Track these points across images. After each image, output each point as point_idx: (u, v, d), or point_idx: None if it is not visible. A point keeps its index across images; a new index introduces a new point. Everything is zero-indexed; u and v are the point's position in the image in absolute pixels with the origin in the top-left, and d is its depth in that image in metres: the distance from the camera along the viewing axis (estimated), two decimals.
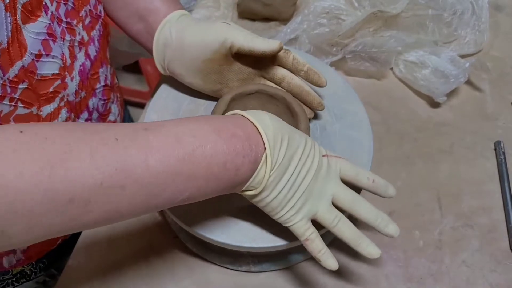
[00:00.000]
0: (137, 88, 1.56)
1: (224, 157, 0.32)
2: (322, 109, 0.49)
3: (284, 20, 0.73)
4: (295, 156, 0.36)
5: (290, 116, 0.46)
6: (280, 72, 0.48)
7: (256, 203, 0.37)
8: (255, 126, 0.35)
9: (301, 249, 0.48)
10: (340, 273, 0.48)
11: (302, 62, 0.47)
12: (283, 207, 0.36)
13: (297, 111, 0.45)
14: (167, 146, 0.30)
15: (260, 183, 0.35)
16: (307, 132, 0.44)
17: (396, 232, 0.39)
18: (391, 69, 0.68)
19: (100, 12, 0.50)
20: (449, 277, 0.48)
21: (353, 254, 0.49)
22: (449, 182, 0.56)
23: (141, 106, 1.57)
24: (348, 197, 0.38)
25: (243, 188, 0.35)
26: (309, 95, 0.48)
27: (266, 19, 0.74)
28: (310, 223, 0.38)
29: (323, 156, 0.38)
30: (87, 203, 0.27)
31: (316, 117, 0.51)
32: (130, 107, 1.62)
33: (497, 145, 0.59)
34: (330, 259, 0.38)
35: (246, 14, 0.74)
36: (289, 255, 0.48)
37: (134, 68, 1.45)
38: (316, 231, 0.38)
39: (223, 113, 0.44)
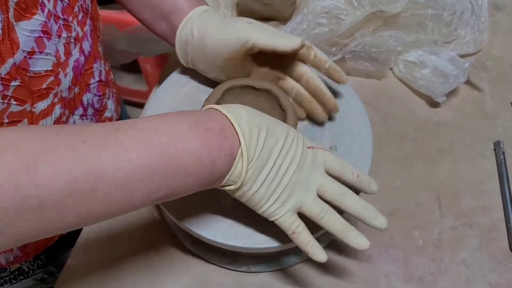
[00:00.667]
0: (136, 87, 1.56)
1: (199, 152, 0.32)
2: (337, 111, 0.49)
3: (284, 19, 0.72)
4: (276, 148, 0.35)
5: (280, 110, 0.46)
6: (300, 68, 0.48)
7: (239, 198, 0.37)
8: (229, 119, 0.34)
9: (301, 250, 0.48)
10: (339, 273, 0.48)
11: (324, 59, 0.47)
12: (266, 200, 0.36)
13: (285, 106, 0.45)
14: (138, 145, 0.30)
15: (238, 177, 0.34)
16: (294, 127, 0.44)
17: (384, 224, 0.39)
18: (391, 68, 0.68)
19: (88, 6, 0.50)
20: (449, 276, 0.48)
21: (353, 254, 0.49)
22: (448, 182, 0.56)
23: (141, 106, 1.56)
24: (335, 189, 0.38)
25: (223, 183, 0.35)
26: (325, 96, 0.48)
27: (266, 18, 0.74)
28: (296, 216, 0.37)
29: (308, 148, 0.38)
30: (59, 207, 0.27)
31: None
32: (129, 107, 1.63)
33: (497, 145, 0.59)
34: (319, 251, 0.38)
35: (246, 14, 0.74)
36: (288, 256, 0.48)
37: (133, 68, 1.45)
38: (303, 223, 0.38)
39: (216, 103, 0.44)
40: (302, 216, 0.38)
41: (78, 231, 0.51)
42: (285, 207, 0.36)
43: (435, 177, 0.56)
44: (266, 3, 0.70)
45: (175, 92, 0.52)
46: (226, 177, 0.34)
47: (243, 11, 0.73)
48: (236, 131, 0.34)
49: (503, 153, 0.57)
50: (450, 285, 0.47)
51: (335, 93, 0.52)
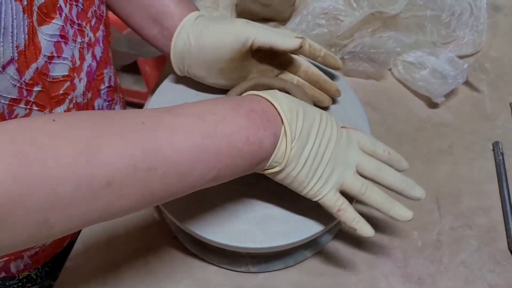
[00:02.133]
0: (135, 88, 1.56)
1: (245, 132, 0.33)
2: (339, 95, 0.50)
3: (283, 20, 0.73)
4: (314, 127, 0.36)
5: None
6: (296, 61, 0.49)
7: (282, 181, 0.38)
8: (269, 101, 0.36)
9: (300, 250, 0.48)
10: (339, 273, 0.48)
11: (319, 48, 0.48)
12: (310, 179, 0.37)
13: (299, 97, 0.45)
14: (190, 125, 0.31)
15: (283, 157, 0.35)
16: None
17: (422, 195, 0.40)
18: (390, 69, 0.68)
19: (103, 12, 0.50)
20: (448, 277, 0.48)
21: (353, 254, 0.49)
22: (447, 182, 0.56)
23: (140, 106, 1.56)
24: (373, 165, 0.39)
25: (268, 165, 0.36)
26: (327, 82, 0.49)
27: (265, 19, 0.74)
28: (339, 194, 0.38)
29: (342, 127, 0.39)
30: (122, 187, 0.28)
31: None
32: (130, 107, 1.62)
33: (496, 145, 0.59)
34: (365, 226, 0.39)
35: (245, 15, 0.74)
36: (288, 256, 0.48)
37: (133, 69, 1.45)
38: (347, 201, 0.38)
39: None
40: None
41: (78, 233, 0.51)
42: (328, 185, 0.37)
43: (434, 177, 0.56)
44: (265, 4, 0.70)
45: (173, 95, 0.52)
46: (271, 158, 0.35)
47: (242, 12, 0.74)
48: (278, 112, 0.35)
49: (502, 153, 0.58)
50: (450, 285, 0.47)
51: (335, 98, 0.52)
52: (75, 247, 0.50)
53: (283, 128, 0.35)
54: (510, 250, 0.50)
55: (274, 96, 0.36)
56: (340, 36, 0.65)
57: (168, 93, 0.53)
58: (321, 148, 0.36)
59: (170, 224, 0.51)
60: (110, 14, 0.54)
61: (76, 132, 0.27)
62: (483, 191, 0.55)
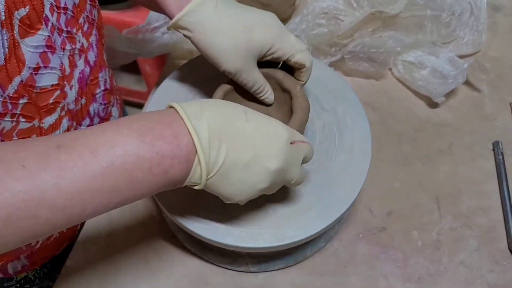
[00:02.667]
0: (135, 88, 1.56)
1: (148, 163, 0.30)
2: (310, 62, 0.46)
3: (283, 20, 0.72)
4: (243, 155, 0.33)
5: (281, 91, 0.46)
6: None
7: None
8: (185, 123, 0.32)
9: (300, 250, 0.48)
10: (338, 273, 0.48)
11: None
12: (237, 196, 0.35)
13: (288, 84, 0.45)
14: (81, 163, 0.28)
15: (200, 180, 0.33)
16: (305, 111, 0.43)
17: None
18: (390, 69, 0.68)
19: (95, 16, 0.50)
20: (448, 277, 0.48)
21: (353, 254, 0.50)
22: (447, 182, 0.56)
23: (140, 106, 1.56)
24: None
25: (185, 184, 0.34)
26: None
27: None
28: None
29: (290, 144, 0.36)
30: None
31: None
32: (129, 107, 1.62)
33: (496, 145, 0.59)
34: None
35: None
36: (288, 255, 0.48)
37: (133, 68, 1.45)
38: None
39: (223, 97, 0.44)
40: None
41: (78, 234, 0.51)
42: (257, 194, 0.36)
43: (434, 177, 0.56)
44: (265, 4, 0.70)
45: (174, 95, 0.52)
46: (186, 181, 0.33)
47: None
48: (192, 138, 0.32)
49: (502, 153, 0.58)
50: (449, 285, 0.47)
51: (335, 94, 0.52)
52: (75, 246, 0.50)
53: (197, 157, 0.32)
54: (510, 250, 0.50)
55: (195, 117, 0.32)
56: (340, 35, 0.64)
57: (169, 92, 0.53)
58: (252, 176, 0.34)
59: (169, 224, 0.51)
60: (107, 13, 0.54)
61: None
62: (483, 191, 0.55)
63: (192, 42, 0.43)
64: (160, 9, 0.45)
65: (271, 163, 0.34)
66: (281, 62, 0.47)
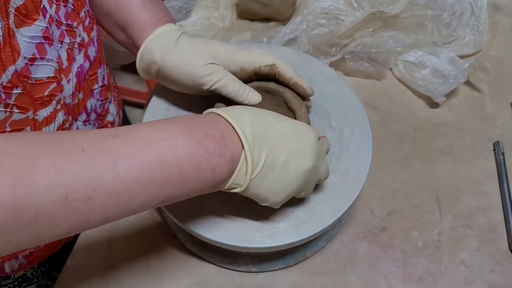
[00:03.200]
0: (136, 88, 1.56)
1: (197, 159, 0.32)
2: (312, 94, 0.47)
3: (283, 20, 0.73)
4: (281, 154, 0.35)
5: (287, 109, 0.46)
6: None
7: (247, 195, 0.37)
8: (230, 124, 0.34)
9: (300, 250, 0.48)
10: (339, 273, 0.48)
11: (288, 76, 0.45)
12: (276, 198, 0.37)
13: (294, 105, 0.45)
14: (136, 152, 0.30)
15: (243, 180, 0.34)
16: (307, 121, 0.44)
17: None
18: (390, 69, 0.68)
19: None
20: (448, 277, 0.48)
21: (353, 254, 0.50)
22: (448, 182, 0.56)
23: (141, 106, 1.56)
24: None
25: (227, 187, 0.35)
26: (297, 85, 0.46)
27: (265, 19, 0.74)
28: None
29: (319, 138, 0.39)
30: (52, 217, 0.27)
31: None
32: (130, 107, 1.62)
33: (496, 145, 0.59)
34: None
35: (245, 15, 0.74)
36: (288, 256, 0.48)
37: (133, 68, 1.45)
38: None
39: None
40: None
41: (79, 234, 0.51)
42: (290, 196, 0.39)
43: (435, 177, 0.56)
44: (265, 4, 0.70)
45: (174, 94, 0.52)
46: (229, 182, 0.34)
47: (243, 12, 0.74)
48: (239, 136, 0.33)
49: (503, 153, 0.57)
50: (450, 285, 0.47)
51: (335, 94, 0.52)
52: (76, 246, 0.50)
53: (243, 153, 0.33)
54: (510, 250, 0.50)
55: (237, 117, 0.34)
56: (340, 35, 0.64)
57: (169, 92, 0.53)
58: (288, 175, 0.36)
59: (170, 224, 0.51)
60: None
61: (3, 162, 0.26)
62: (483, 191, 0.55)
63: (163, 66, 0.45)
64: (124, 39, 0.49)
65: (306, 160, 0.36)
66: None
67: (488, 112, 0.63)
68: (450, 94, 0.63)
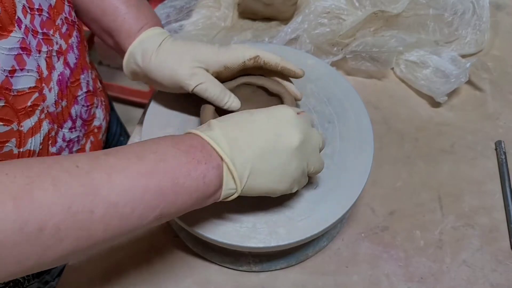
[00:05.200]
0: (137, 88, 1.56)
1: (186, 167, 0.33)
2: (303, 75, 0.47)
3: (285, 19, 0.72)
4: (267, 145, 0.36)
5: (277, 100, 0.47)
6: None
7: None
8: (204, 139, 0.35)
9: (302, 249, 0.48)
10: (340, 273, 0.48)
11: (274, 64, 0.46)
12: (277, 188, 0.38)
13: (280, 92, 0.46)
14: (129, 164, 0.31)
15: (234, 184, 0.35)
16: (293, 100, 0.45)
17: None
18: (392, 69, 0.68)
19: (75, 18, 0.49)
20: (450, 276, 0.48)
21: (354, 254, 0.49)
22: (449, 182, 0.56)
23: (141, 105, 1.56)
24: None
25: (223, 196, 0.36)
26: (286, 67, 0.47)
27: (267, 18, 0.74)
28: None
29: (298, 113, 0.39)
30: (58, 230, 0.27)
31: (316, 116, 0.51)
32: (130, 107, 1.63)
33: (498, 144, 0.58)
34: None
35: (247, 14, 0.74)
36: (290, 255, 0.48)
37: None
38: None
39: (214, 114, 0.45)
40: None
41: None
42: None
43: (436, 177, 0.56)
44: (267, 3, 0.70)
45: (175, 94, 0.52)
46: (223, 189, 0.35)
47: (244, 11, 0.74)
48: (215, 150, 0.35)
49: (505, 153, 0.57)
50: (451, 285, 0.47)
51: (336, 94, 0.52)
52: None
53: (224, 164, 0.35)
54: None
55: (208, 131, 0.36)
56: (342, 35, 0.64)
57: (168, 95, 0.53)
58: (281, 158, 0.36)
59: (171, 223, 0.51)
60: None
61: (3, 181, 0.26)
62: (485, 191, 0.55)
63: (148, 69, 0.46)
64: (113, 41, 0.50)
65: (292, 136, 0.36)
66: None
67: (490, 111, 0.63)
68: (452, 94, 0.63)
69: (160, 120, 0.51)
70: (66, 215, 0.27)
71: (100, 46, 1.48)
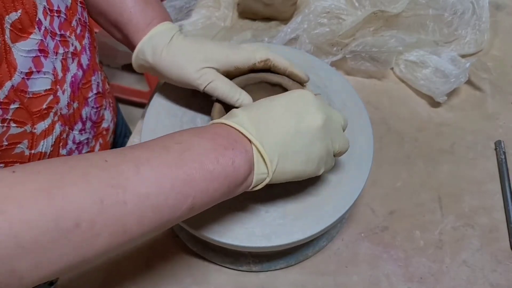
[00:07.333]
0: (137, 88, 1.56)
1: (214, 154, 0.33)
2: (308, 80, 0.48)
3: (285, 19, 0.72)
4: (290, 130, 0.36)
5: (280, 89, 0.47)
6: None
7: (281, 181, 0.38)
8: (231, 126, 0.35)
9: (302, 249, 0.48)
10: (340, 273, 0.48)
11: (283, 68, 0.46)
12: (305, 170, 0.37)
13: (287, 85, 0.46)
14: (155, 155, 0.31)
15: (265, 167, 0.35)
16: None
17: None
18: (392, 69, 0.68)
19: (86, 18, 0.49)
20: (450, 277, 0.48)
21: (354, 254, 0.49)
22: (449, 182, 0.56)
23: (142, 105, 1.56)
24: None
25: (255, 182, 0.35)
26: (293, 73, 0.47)
27: (267, 18, 0.74)
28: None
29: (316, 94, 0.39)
30: (93, 224, 0.27)
31: None
32: (130, 106, 1.62)
33: (498, 144, 0.58)
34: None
35: (247, 14, 0.74)
36: (290, 255, 0.48)
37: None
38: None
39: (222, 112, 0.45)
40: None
41: None
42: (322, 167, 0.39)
43: (436, 177, 0.56)
44: (267, 3, 0.70)
45: (175, 94, 0.52)
46: (254, 175, 0.35)
47: (244, 11, 0.74)
48: (243, 133, 0.35)
49: (504, 153, 0.57)
50: (451, 285, 0.47)
51: (336, 97, 0.52)
52: None
53: (254, 148, 0.35)
54: None
55: (233, 118, 0.36)
56: (342, 35, 0.64)
57: (170, 92, 0.53)
58: (305, 138, 0.36)
59: None
60: None
61: (36, 179, 0.26)
62: (485, 191, 0.55)
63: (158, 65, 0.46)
64: (123, 36, 0.50)
65: (314, 116, 0.36)
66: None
67: (489, 111, 0.63)
68: (451, 94, 0.63)
69: (162, 115, 0.51)
70: (99, 209, 0.27)
71: (100, 46, 1.49)
